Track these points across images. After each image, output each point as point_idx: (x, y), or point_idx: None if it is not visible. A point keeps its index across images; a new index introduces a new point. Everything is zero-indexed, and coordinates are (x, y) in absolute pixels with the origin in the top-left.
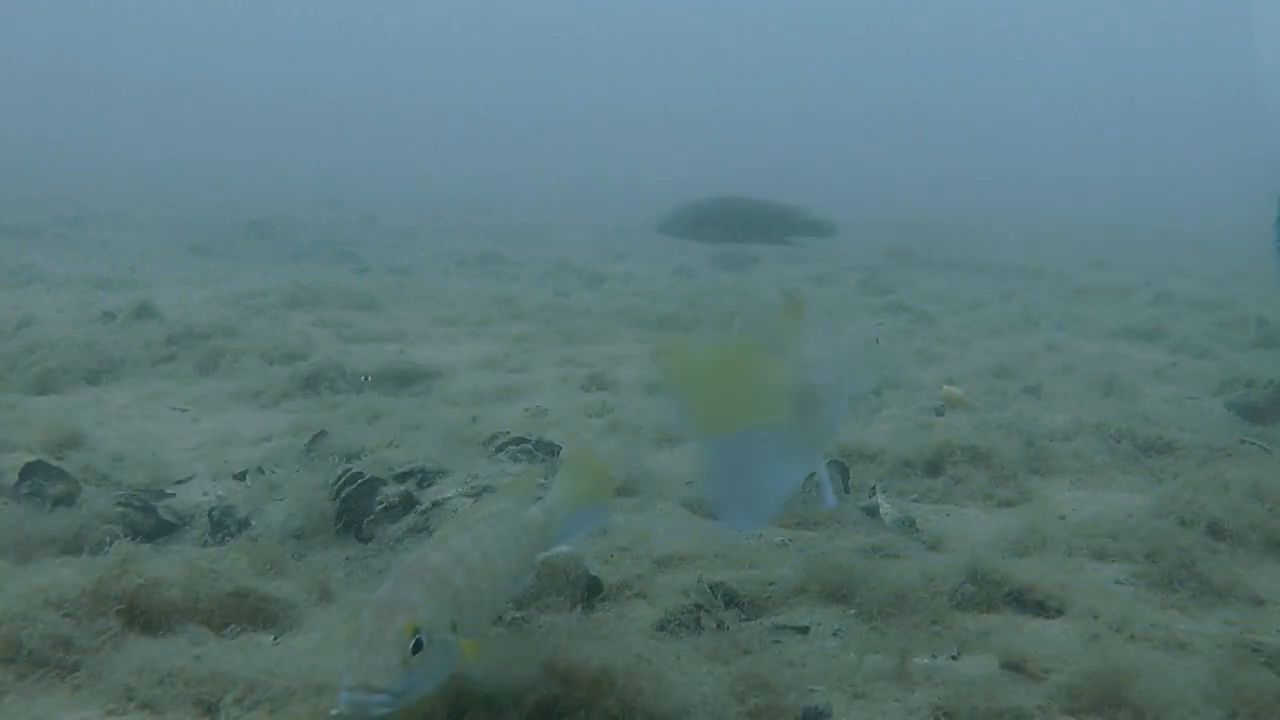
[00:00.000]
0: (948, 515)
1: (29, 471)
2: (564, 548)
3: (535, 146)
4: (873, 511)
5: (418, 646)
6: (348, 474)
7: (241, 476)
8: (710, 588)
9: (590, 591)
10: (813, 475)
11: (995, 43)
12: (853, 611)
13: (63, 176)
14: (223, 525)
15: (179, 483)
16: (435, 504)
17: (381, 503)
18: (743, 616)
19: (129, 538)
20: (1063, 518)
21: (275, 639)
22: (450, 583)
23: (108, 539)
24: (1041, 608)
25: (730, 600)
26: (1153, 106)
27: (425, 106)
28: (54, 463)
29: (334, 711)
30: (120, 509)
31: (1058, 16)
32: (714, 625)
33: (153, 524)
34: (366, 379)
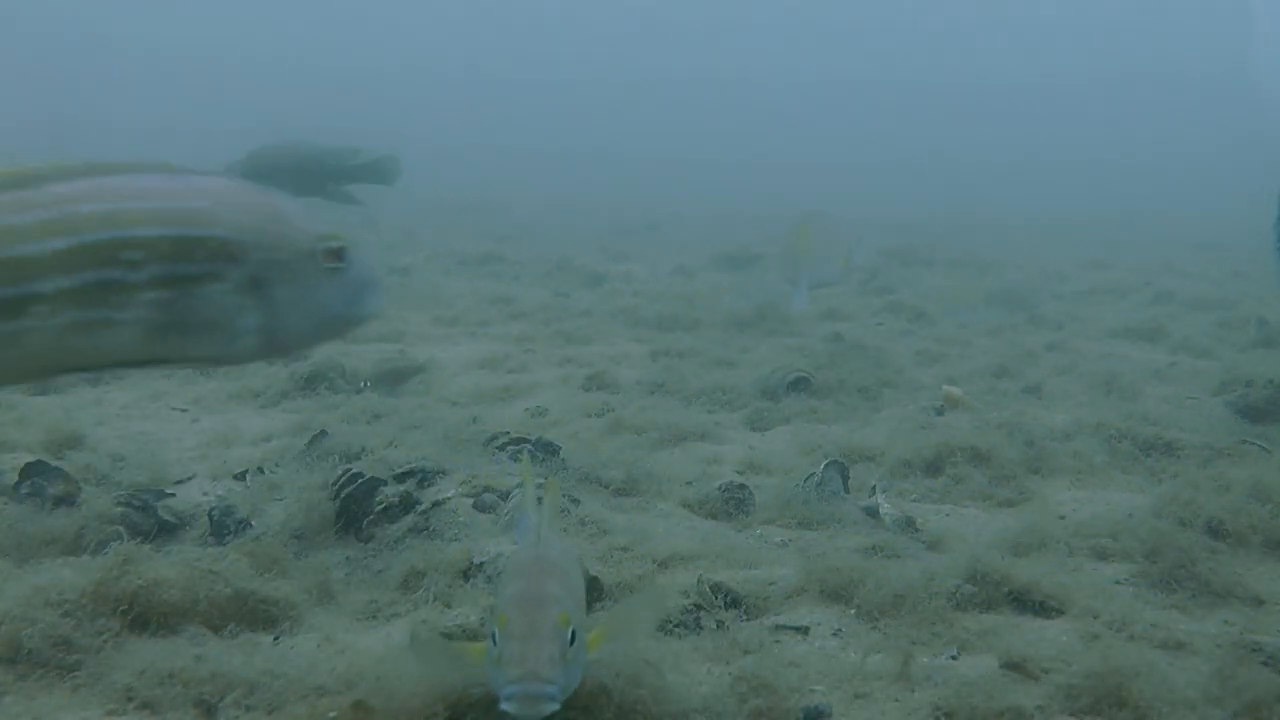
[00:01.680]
0: (948, 515)
1: (29, 471)
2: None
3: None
4: (873, 511)
5: (571, 638)
6: (348, 474)
7: (241, 476)
8: (710, 588)
9: (590, 591)
10: (811, 476)
11: (993, 36)
12: (853, 611)
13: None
14: (223, 525)
15: (179, 483)
16: (435, 504)
17: (381, 503)
18: (743, 616)
19: (129, 538)
20: (1063, 518)
21: (275, 639)
22: (571, 577)
23: (108, 539)
24: (1041, 608)
25: (730, 600)
26: (1151, 104)
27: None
28: (54, 463)
29: (503, 707)
30: (120, 509)
31: (1054, 12)
32: (714, 625)
33: (153, 524)
34: (366, 384)
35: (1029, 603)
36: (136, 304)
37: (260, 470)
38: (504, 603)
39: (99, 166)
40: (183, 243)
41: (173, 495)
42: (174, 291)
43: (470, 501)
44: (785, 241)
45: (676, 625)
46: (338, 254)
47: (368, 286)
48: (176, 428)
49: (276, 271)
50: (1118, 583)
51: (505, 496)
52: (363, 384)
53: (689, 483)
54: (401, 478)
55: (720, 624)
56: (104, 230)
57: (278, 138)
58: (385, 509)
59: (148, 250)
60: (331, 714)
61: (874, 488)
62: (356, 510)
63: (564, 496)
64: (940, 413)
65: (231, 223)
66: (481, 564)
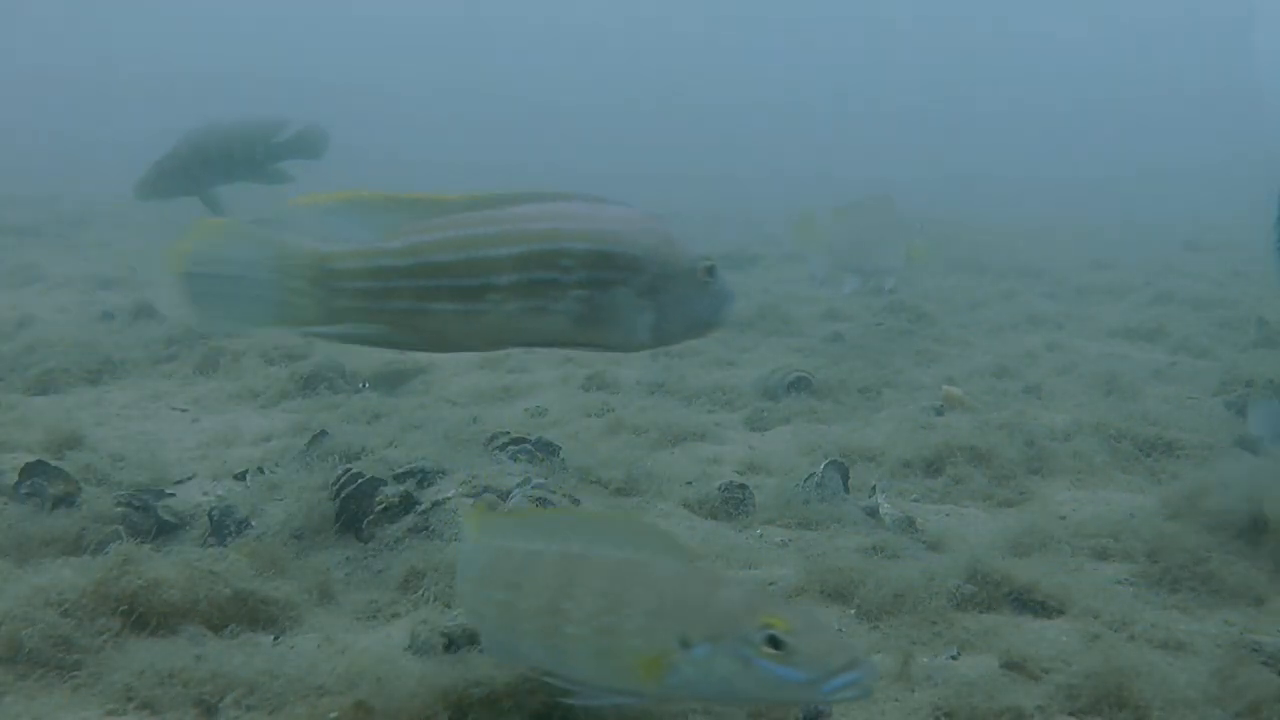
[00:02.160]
0: (948, 515)
1: (29, 471)
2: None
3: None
4: (873, 511)
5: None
6: (348, 474)
7: (241, 476)
8: None
9: None
10: (811, 476)
11: (993, 40)
12: (853, 611)
13: (62, 173)
14: (223, 525)
15: (179, 483)
16: (435, 504)
17: (381, 503)
18: None
19: (129, 538)
20: (1063, 518)
21: (275, 639)
22: None
23: (108, 539)
24: (1042, 608)
25: None
26: (1151, 104)
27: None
28: (54, 463)
29: (848, 695)
30: (120, 509)
31: (1054, 13)
32: None
33: (153, 524)
34: (365, 384)
35: (1029, 603)
36: (566, 299)
37: (260, 470)
38: (753, 610)
39: (544, 195)
40: (603, 255)
41: (173, 495)
42: (593, 291)
43: (470, 501)
44: (832, 228)
45: None
46: (709, 271)
47: (727, 298)
48: (176, 428)
49: (667, 282)
50: (1118, 583)
51: (505, 496)
52: (362, 384)
53: (689, 483)
54: (401, 478)
55: None
56: (548, 242)
57: (201, 124)
58: (385, 509)
59: (577, 259)
60: (332, 714)
61: (874, 488)
62: (356, 510)
63: (564, 496)
64: (940, 413)
65: (637, 242)
66: None
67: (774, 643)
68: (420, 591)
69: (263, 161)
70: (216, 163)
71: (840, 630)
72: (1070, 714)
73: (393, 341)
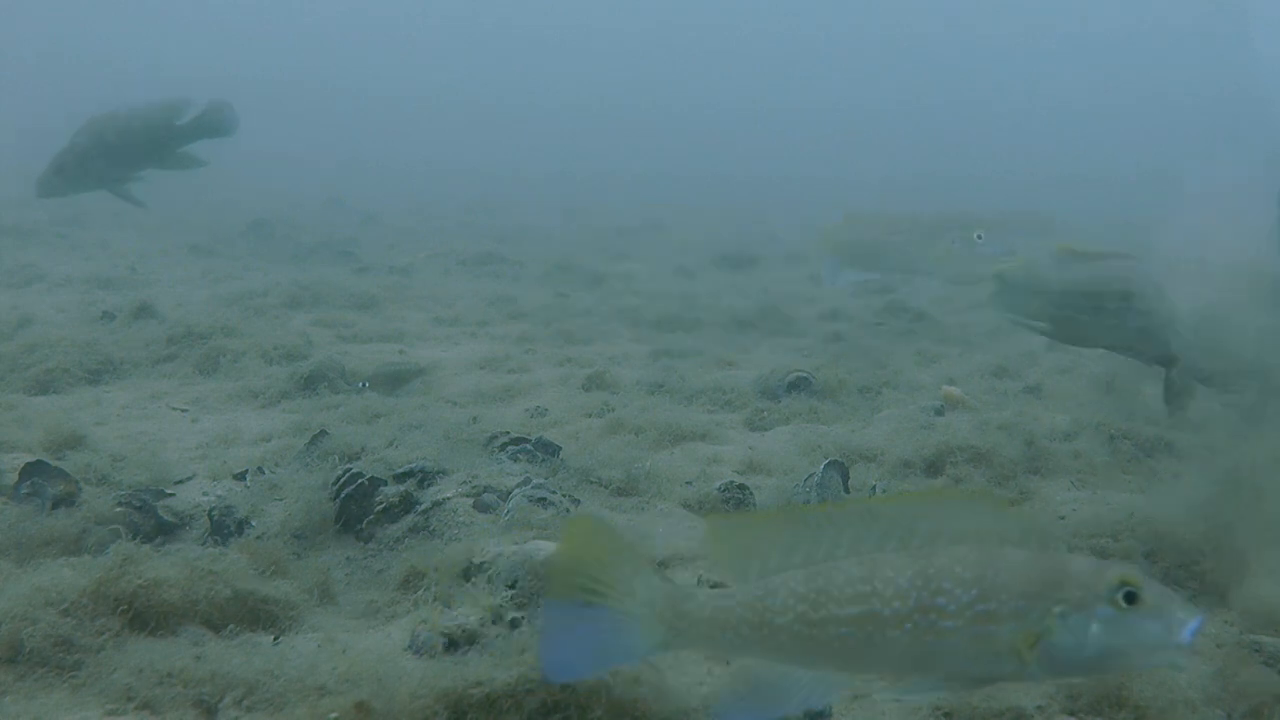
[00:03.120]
0: None
1: (29, 471)
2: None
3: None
4: None
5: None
6: (348, 474)
7: (241, 476)
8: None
9: None
10: (811, 475)
11: (993, 41)
12: None
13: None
14: (223, 525)
15: (179, 483)
16: (435, 504)
17: (381, 503)
18: None
19: (129, 538)
20: (1063, 518)
21: (275, 639)
22: None
23: (108, 539)
24: None
25: None
26: (1151, 105)
27: (415, 99)
28: (54, 463)
29: (1194, 642)
30: (120, 509)
31: (1053, 14)
32: None
33: (152, 524)
34: (365, 384)
35: None
36: (1125, 318)
37: (260, 470)
38: (1105, 571)
39: (1116, 253)
40: (1134, 295)
41: (173, 495)
42: (1141, 315)
43: (470, 501)
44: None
45: None
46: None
47: None
48: (176, 428)
49: (1150, 306)
50: None
51: (505, 496)
52: (362, 384)
53: (688, 483)
54: (401, 478)
55: None
56: (1124, 284)
57: (96, 113)
58: (385, 509)
59: (1135, 297)
60: (332, 714)
61: (874, 488)
62: (356, 510)
63: (564, 496)
64: (940, 413)
65: (1143, 282)
66: (482, 564)
67: (1130, 598)
68: (420, 591)
69: (168, 146)
70: (118, 153)
71: None
72: (1070, 714)
73: (1052, 335)
